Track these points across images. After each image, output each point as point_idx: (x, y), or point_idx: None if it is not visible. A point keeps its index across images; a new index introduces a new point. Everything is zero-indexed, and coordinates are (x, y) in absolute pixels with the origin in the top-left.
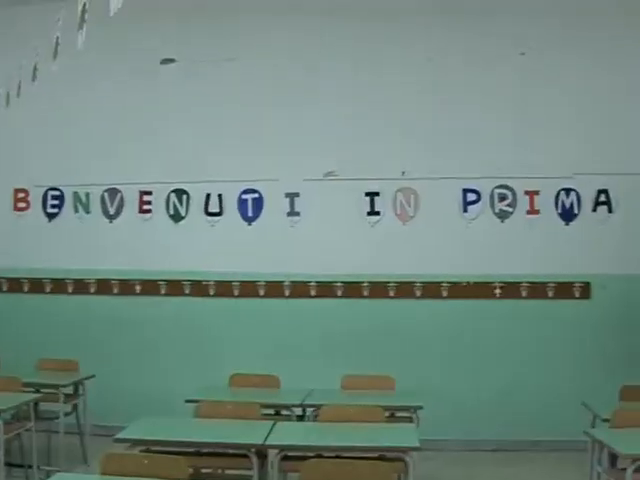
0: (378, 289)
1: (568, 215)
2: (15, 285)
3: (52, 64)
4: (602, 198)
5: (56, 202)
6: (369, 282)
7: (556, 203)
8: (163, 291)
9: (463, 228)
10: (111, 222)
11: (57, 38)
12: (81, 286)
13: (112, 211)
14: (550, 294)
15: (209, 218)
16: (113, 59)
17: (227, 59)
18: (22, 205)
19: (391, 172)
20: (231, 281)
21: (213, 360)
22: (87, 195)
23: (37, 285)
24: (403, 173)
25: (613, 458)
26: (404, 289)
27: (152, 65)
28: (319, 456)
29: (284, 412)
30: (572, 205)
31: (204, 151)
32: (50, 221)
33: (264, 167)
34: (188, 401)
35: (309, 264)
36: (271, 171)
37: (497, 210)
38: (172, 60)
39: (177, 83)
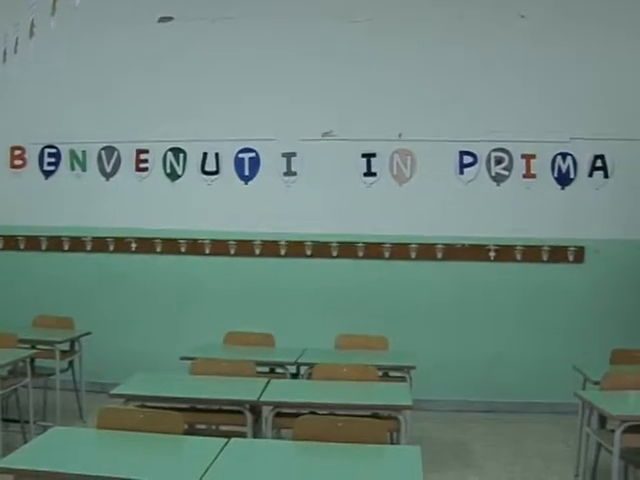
0: (373, 250)
1: (564, 179)
2: (11, 242)
3: (50, 20)
4: (598, 163)
5: (52, 160)
6: (364, 243)
7: (552, 167)
8: (159, 249)
9: (459, 190)
10: (107, 180)
11: None
12: (77, 244)
13: (109, 169)
14: (544, 257)
15: (205, 177)
16: (110, 17)
17: (225, 17)
18: (18, 163)
19: (388, 133)
20: (227, 240)
21: (208, 318)
22: (84, 153)
23: (33, 242)
24: (400, 135)
25: (602, 419)
26: (399, 250)
27: (150, 23)
28: (312, 413)
29: (279, 370)
30: (568, 169)
31: (201, 110)
32: (47, 179)
33: (261, 126)
34: (183, 358)
35: (305, 224)
36: (268, 130)
37: (493, 173)
38: (170, 18)
39: (174, 41)
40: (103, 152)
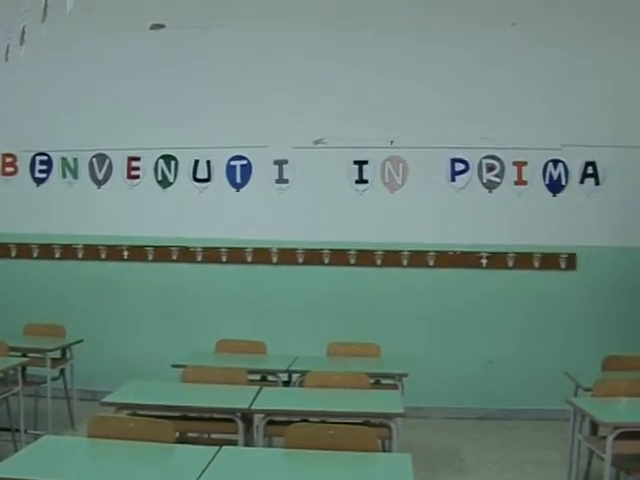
0: (365, 257)
1: (555, 186)
2: (3, 250)
3: (41, 27)
4: (589, 170)
5: (44, 167)
6: (356, 250)
7: (544, 174)
8: (151, 257)
9: (451, 198)
10: (99, 188)
11: (46, 1)
12: (69, 251)
13: (100, 177)
14: (536, 264)
15: (197, 184)
16: (102, 24)
17: (216, 25)
18: (10, 170)
19: (380, 141)
20: (219, 247)
21: (200, 326)
22: (75, 160)
23: (25, 250)
24: (392, 142)
25: (594, 426)
26: (391, 257)
27: (141, 30)
28: (304, 421)
29: (270, 378)
30: (560, 176)
31: (192, 117)
32: (38, 186)
33: (253, 134)
34: (175, 366)
35: (297, 231)
36: (260, 138)
37: (485, 180)
38: (162, 26)
39: (166, 49)
40: (95, 159)
